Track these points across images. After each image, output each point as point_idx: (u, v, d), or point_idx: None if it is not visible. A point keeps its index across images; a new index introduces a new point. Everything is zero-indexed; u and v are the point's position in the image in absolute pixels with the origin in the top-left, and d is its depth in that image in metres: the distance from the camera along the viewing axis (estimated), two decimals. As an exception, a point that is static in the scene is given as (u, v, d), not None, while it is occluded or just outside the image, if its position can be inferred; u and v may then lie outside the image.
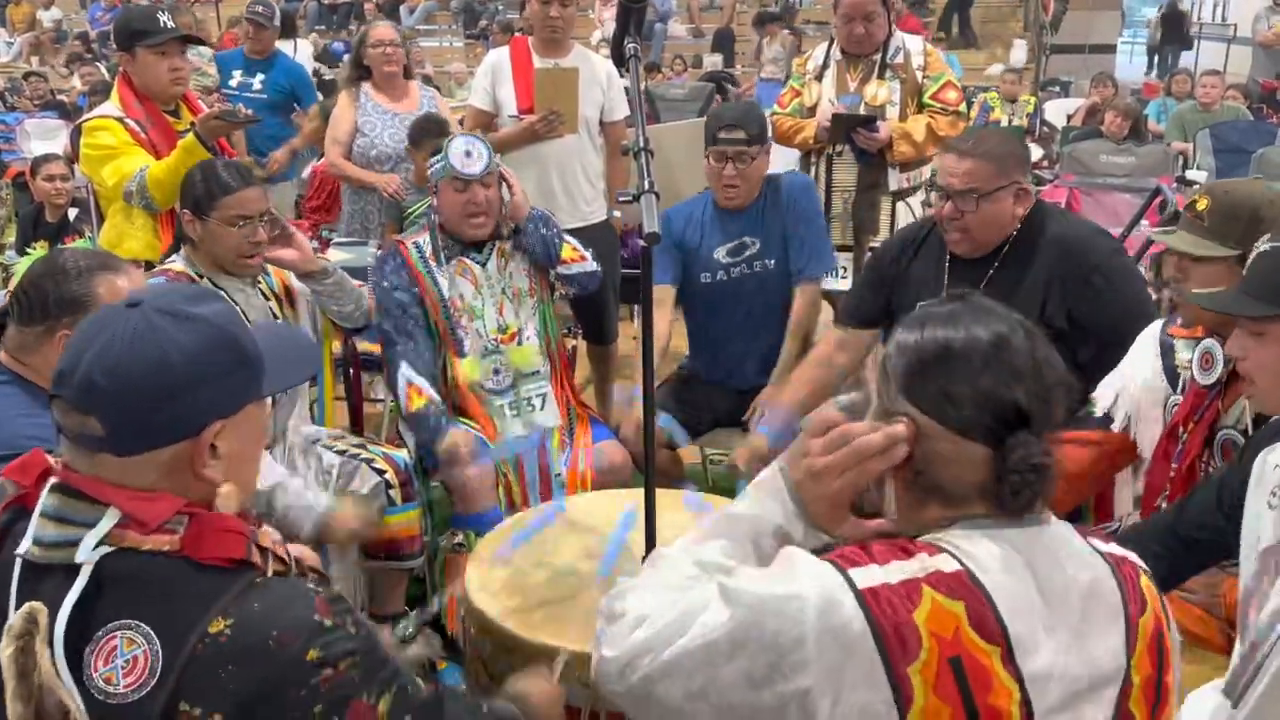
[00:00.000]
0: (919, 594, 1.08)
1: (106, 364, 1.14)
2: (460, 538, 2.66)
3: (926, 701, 1.06)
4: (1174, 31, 13.61)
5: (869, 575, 1.09)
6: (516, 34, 5.06)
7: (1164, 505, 2.00)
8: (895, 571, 1.10)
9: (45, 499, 1.18)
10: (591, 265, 2.90)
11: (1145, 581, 1.22)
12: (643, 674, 1.12)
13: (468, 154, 2.73)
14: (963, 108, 3.58)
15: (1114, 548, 1.24)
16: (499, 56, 3.68)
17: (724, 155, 2.92)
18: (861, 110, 3.45)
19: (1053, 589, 1.13)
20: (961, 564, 1.11)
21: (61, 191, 5.20)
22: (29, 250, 4.64)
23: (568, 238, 2.90)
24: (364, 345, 3.60)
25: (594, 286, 2.97)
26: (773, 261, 2.98)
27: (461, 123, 4.62)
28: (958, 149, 2.45)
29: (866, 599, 1.07)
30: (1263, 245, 1.59)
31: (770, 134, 3.19)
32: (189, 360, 1.17)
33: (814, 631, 1.06)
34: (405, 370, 2.72)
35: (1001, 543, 1.13)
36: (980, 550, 1.12)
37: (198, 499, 1.21)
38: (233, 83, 5.13)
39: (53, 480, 1.19)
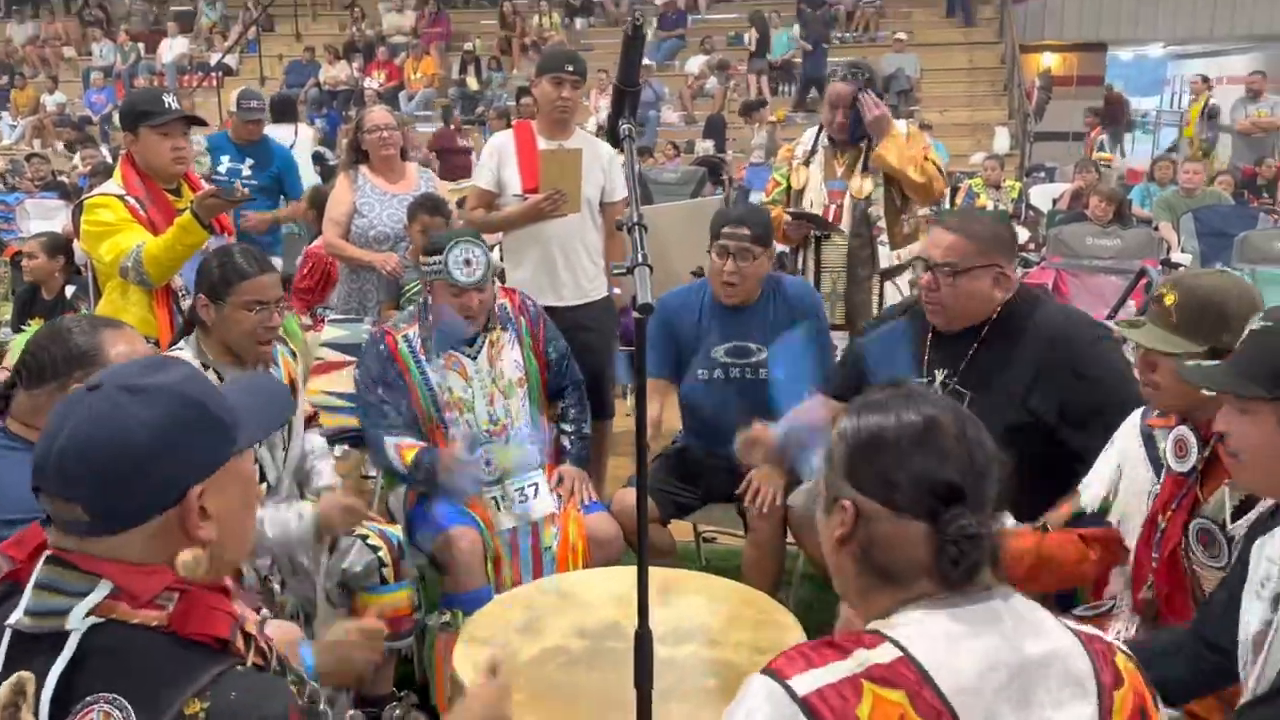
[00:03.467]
0: (859, 690, 1.11)
1: (76, 450, 1.16)
2: (449, 616, 2.63)
3: None
4: (1113, 116, 14.02)
5: (808, 680, 1.12)
6: (518, 119, 5.16)
7: (1149, 594, 1.99)
8: (833, 671, 1.12)
9: (40, 570, 1.18)
10: None
11: (1122, 660, 1.23)
12: None
13: (467, 263, 2.77)
14: (941, 165, 3.64)
15: (1086, 628, 1.25)
16: (504, 139, 3.76)
17: (727, 250, 2.93)
18: (846, 200, 3.54)
19: (1001, 660, 1.15)
20: (901, 650, 1.13)
21: (31, 269, 5.19)
22: (24, 327, 4.68)
23: None
24: (357, 421, 3.59)
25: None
26: (780, 370, 2.95)
27: (460, 204, 4.69)
28: (946, 223, 2.51)
29: (811, 704, 1.10)
30: (1255, 324, 1.60)
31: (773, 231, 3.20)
32: (154, 432, 1.17)
33: None
34: (389, 439, 2.75)
35: (946, 620, 1.17)
36: (923, 631, 1.16)
37: (186, 571, 1.20)
38: (221, 168, 5.23)
39: (47, 553, 1.19)
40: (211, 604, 1.20)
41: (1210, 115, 11.41)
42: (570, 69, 3.55)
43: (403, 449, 2.73)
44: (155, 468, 1.17)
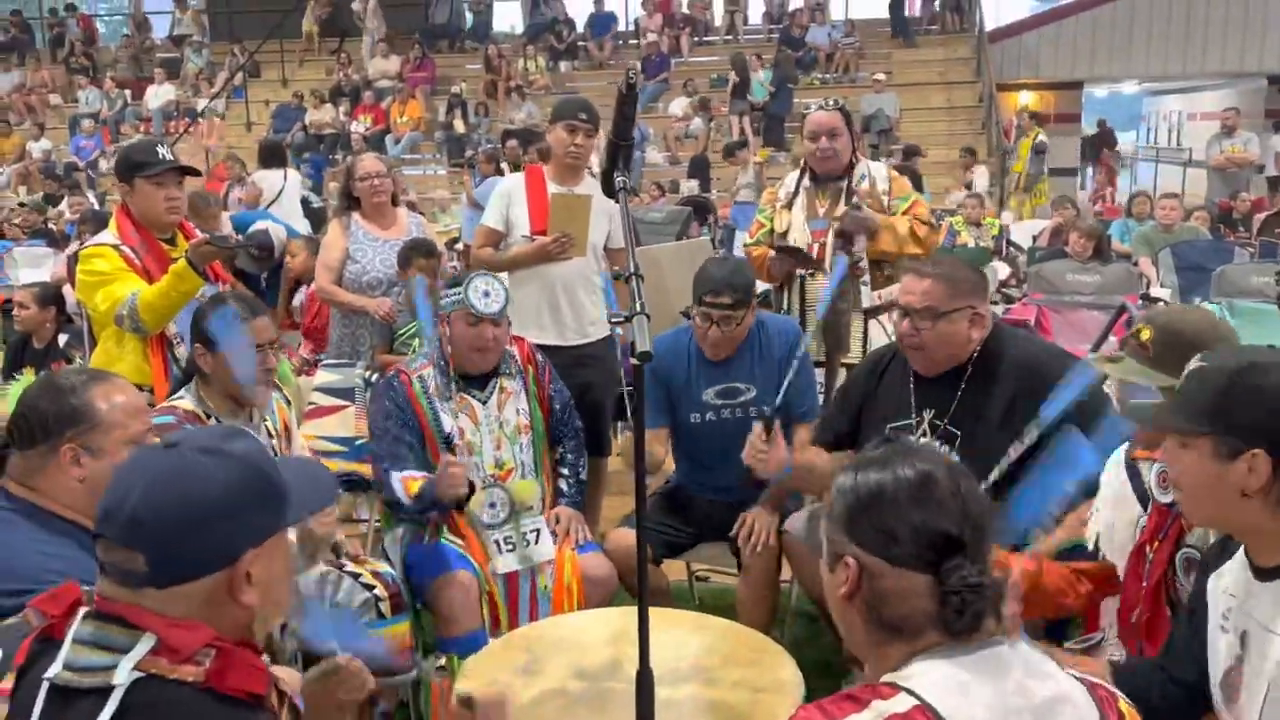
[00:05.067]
0: None
1: (150, 501, 1.20)
2: (443, 661, 2.63)
3: None
4: (1099, 152, 14.21)
5: None
6: (530, 164, 5.24)
7: (1137, 620, 2.02)
8: None
9: (80, 626, 1.20)
10: None
11: (1124, 706, 1.26)
12: None
13: (486, 294, 2.82)
14: (934, 221, 3.72)
15: (1087, 675, 1.28)
16: (514, 181, 3.85)
17: (709, 318, 2.95)
18: (830, 238, 3.57)
19: (1013, 705, 1.17)
20: (917, 699, 1.16)
21: (22, 319, 5.17)
22: (15, 377, 4.68)
23: None
24: (349, 465, 3.61)
25: None
26: (768, 408, 2.91)
27: (451, 244, 4.74)
28: (917, 270, 2.56)
29: None
30: (1193, 364, 1.65)
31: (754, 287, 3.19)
32: (224, 493, 1.23)
33: None
34: (394, 474, 2.77)
35: (955, 668, 1.19)
36: (935, 680, 1.18)
37: (231, 630, 1.24)
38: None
39: (86, 609, 1.22)
40: (248, 661, 1.23)
41: (1038, 151, 11.70)
42: (584, 117, 3.65)
43: (408, 481, 2.75)
44: (219, 526, 1.22)
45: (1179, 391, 1.64)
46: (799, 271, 3.64)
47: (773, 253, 3.60)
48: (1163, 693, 1.72)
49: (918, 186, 5.49)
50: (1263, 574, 1.53)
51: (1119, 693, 1.28)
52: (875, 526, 1.25)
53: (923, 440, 2.57)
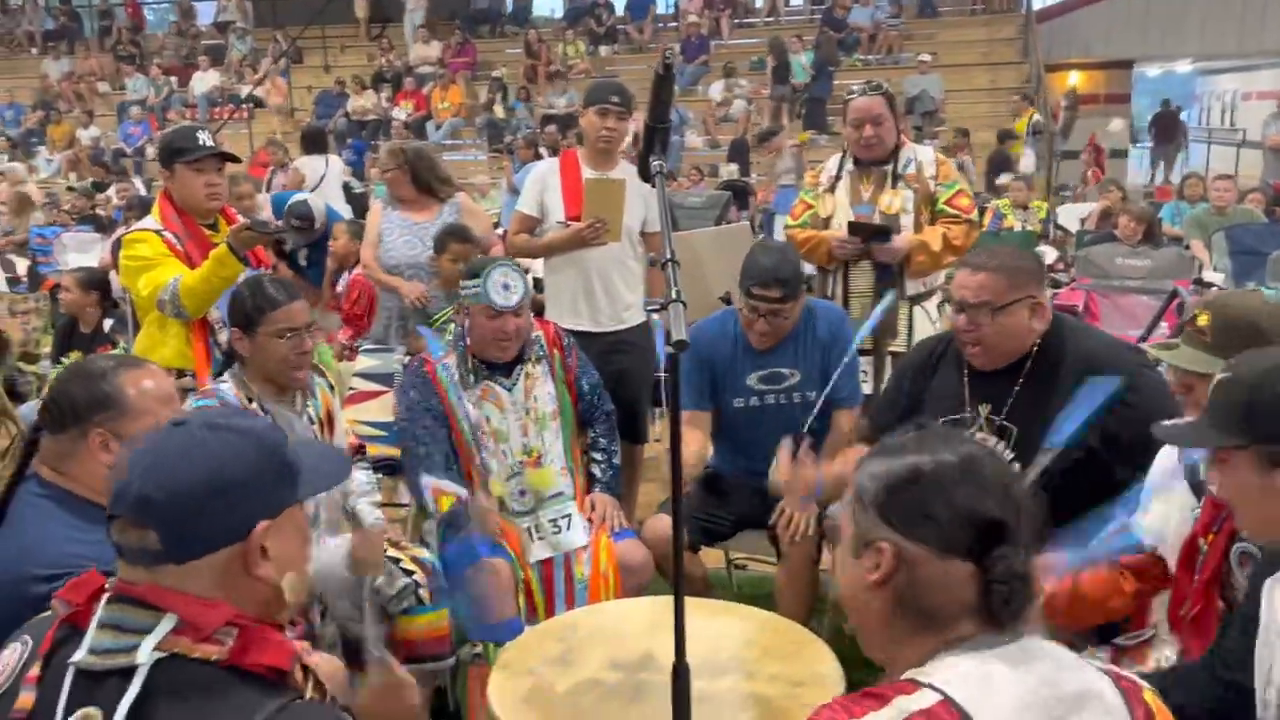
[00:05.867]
0: None
1: (158, 478, 1.21)
2: (480, 649, 2.64)
3: None
4: (1167, 135, 13.85)
5: None
6: (565, 149, 5.23)
7: (1187, 614, 1.97)
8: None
9: (103, 610, 1.21)
10: None
11: (1149, 696, 1.23)
12: None
13: (505, 286, 2.81)
14: (975, 215, 3.63)
15: (1111, 667, 1.25)
16: (549, 166, 3.84)
17: (757, 311, 2.91)
18: (876, 219, 3.50)
19: (1040, 698, 1.14)
20: (941, 694, 1.12)
21: (65, 303, 5.28)
22: (63, 360, 4.77)
23: None
24: (390, 450, 3.63)
25: None
26: (814, 394, 2.93)
27: (496, 225, 4.77)
28: (971, 263, 2.50)
29: None
30: (1220, 375, 1.62)
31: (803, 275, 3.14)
32: (233, 465, 1.23)
33: None
34: (425, 478, 2.75)
35: (984, 661, 1.15)
36: (961, 673, 1.14)
37: (252, 607, 1.25)
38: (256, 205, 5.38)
39: (109, 594, 1.23)
40: (270, 637, 1.23)
41: (1035, 131, 11.40)
42: (615, 101, 3.62)
43: (439, 495, 2.70)
44: (229, 499, 1.22)
45: (1208, 408, 1.60)
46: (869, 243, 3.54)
47: (841, 234, 3.49)
48: (1210, 697, 1.68)
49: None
50: None
51: (1143, 682, 1.25)
52: (915, 510, 1.19)
53: (977, 436, 2.51)
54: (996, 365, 2.50)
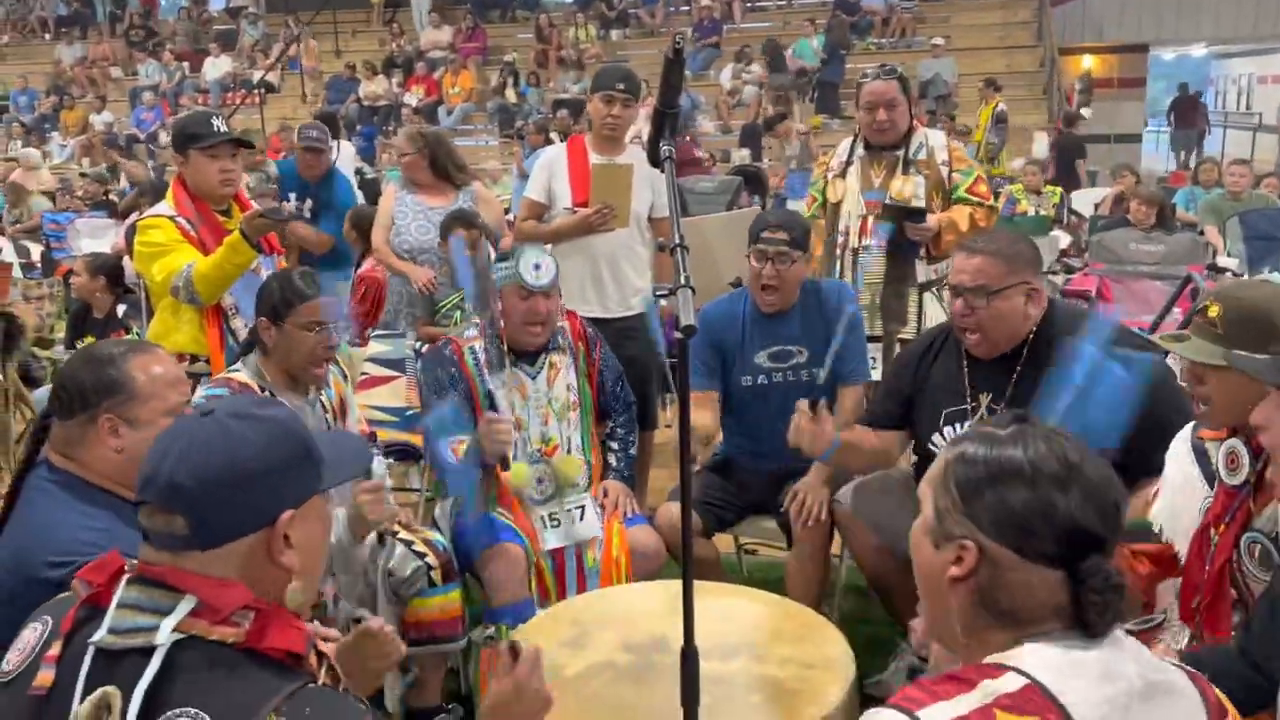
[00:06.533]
0: (992, 719, 1.07)
1: (187, 465, 1.22)
2: (492, 630, 2.65)
3: None
4: (1187, 120, 13.71)
5: (938, 712, 1.09)
6: (573, 134, 5.21)
7: (1199, 605, 1.96)
8: (962, 704, 1.09)
9: (123, 591, 1.23)
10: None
11: (1218, 694, 1.21)
12: None
13: (537, 266, 2.81)
14: (993, 200, 3.63)
15: (1185, 666, 1.23)
16: (556, 152, 3.83)
17: (765, 255, 2.94)
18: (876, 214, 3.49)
19: (1124, 690, 1.12)
20: (1030, 679, 1.10)
21: (76, 287, 5.31)
22: (76, 346, 4.79)
23: None
24: (400, 435, 3.64)
25: None
26: (821, 370, 2.88)
27: (508, 210, 4.76)
28: (968, 247, 2.50)
29: None
30: None
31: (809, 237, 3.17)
32: (260, 454, 1.25)
33: None
34: (445, 443, 2.73)
35: (1071, 652, 1.13)
36: (1048, 661, 1.12)
37: (270, 592, 1.26)
38: (269, 190, 5.34)
39: (129, 575, 1.24)
40: (287, 621, 1.24)
41: (999, 120, 11.27)
42: (621, 87, 3.61)
43: (455, 445, 2.73)
44: (254, 487, 1.24)
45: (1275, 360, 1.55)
46: (857, 243, 3.53)
47: (872, 218, 3.50)
48: (1244, 680, 1.66)
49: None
50: None
51: (1213, 686, 1.23)
52: (1008, 512, 1.14)
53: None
54: (994, 353, 2.50)
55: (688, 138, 11.82)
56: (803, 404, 2.54)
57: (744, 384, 3.06)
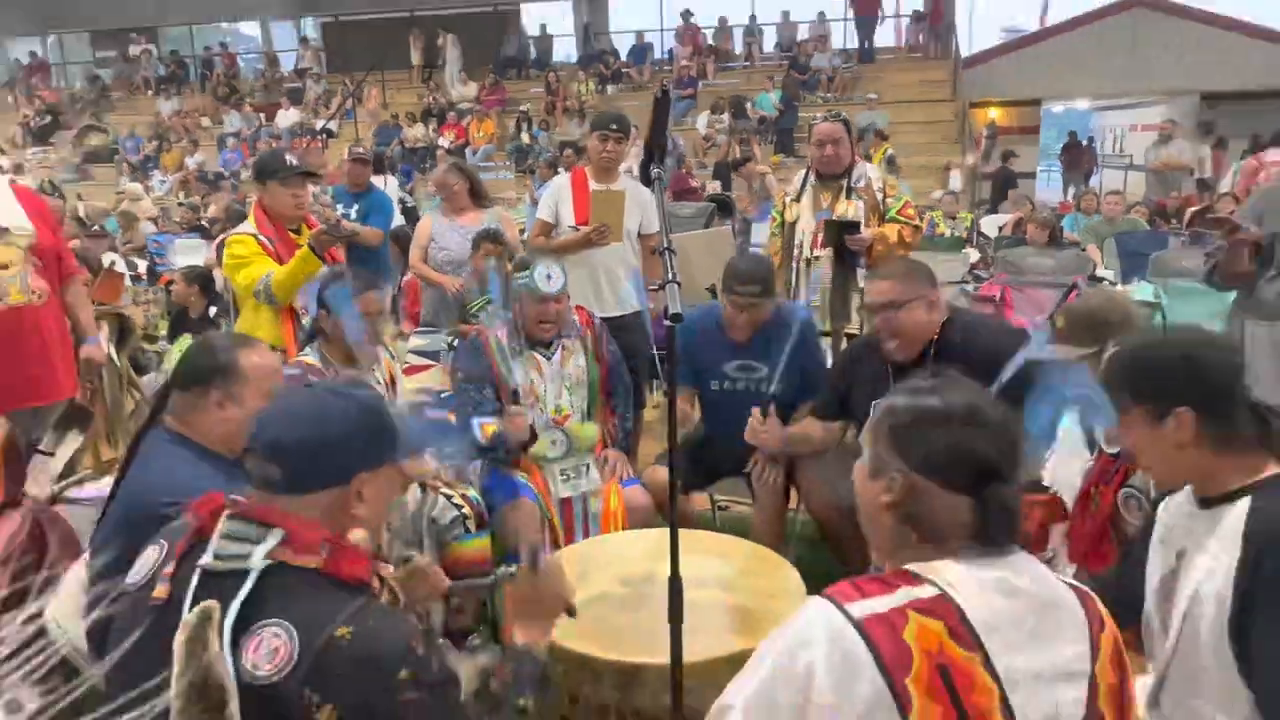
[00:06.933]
0: (905, 618, 1.08)
1: (287, 425, 1.25)
2: (514, 569, 2.63)
3: (921, 704, 1.05)
4: (1075, 162, 13.77)
5: (863, 608, 1.09)
6: (575, 166, 5.20)
7: (1085, 550, 1.98)
8: (883, 602, 1.09)
9: (225, 524, 1.24)
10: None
11: (1102, 607, 1.21)
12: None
13: (549, 276, 2.81)
14: (919, 220, 3.65)
15: (1073, 582, 1.23)
16: (562, 181, 3.81)
17: (739, 306, 2.88)
18: (821, 231, 3.49)
19: (1019, 603, 1.12)
20: (939, 589, 1.10)
21: (175, 293, 5.29)
22: (175, 340, 4.75)
23: None
24: (433, 415, 3.63)
25: None
26: (776, 388, 2.84)
27: (522, 234, 4.79)
28: (879, 274, 2.56)
29: (865, 626, 1.07)
30: (1109, 350, 1.60)
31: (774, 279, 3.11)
32: (344, 425, 1.26)
33: (823, 656, 1.06)
34: (474, 419, 2.76)
35: (975, 569, 1.13)
36: (956, 577, 1.12)
37: (342, 534, 1.27)
38: (331, 211, 5.32)
39: (229, 511, 1.25)
40: (356, 554, 1.25)
41: (890, 162, 11.26)
42: (614, 127, 3.61)
43: (485, 426, 2.73)
44: (337, 450, 1.25)
45: (1102, 377, 1.58)
46: (810, 253, 3.54)
47: (815, 229, 3.52)
48: (1115, 605, 1.68)
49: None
50: (1204, 503, 1.48)
51: (1095, 598, 1.23)
52: (927, 449, 1.15)
53: None
54: (909, 356, 2.51)
55: (685, 170, 11.87)
56: (756, 411, 2.56)
57: (712, 387, 3.04)
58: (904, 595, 1.10)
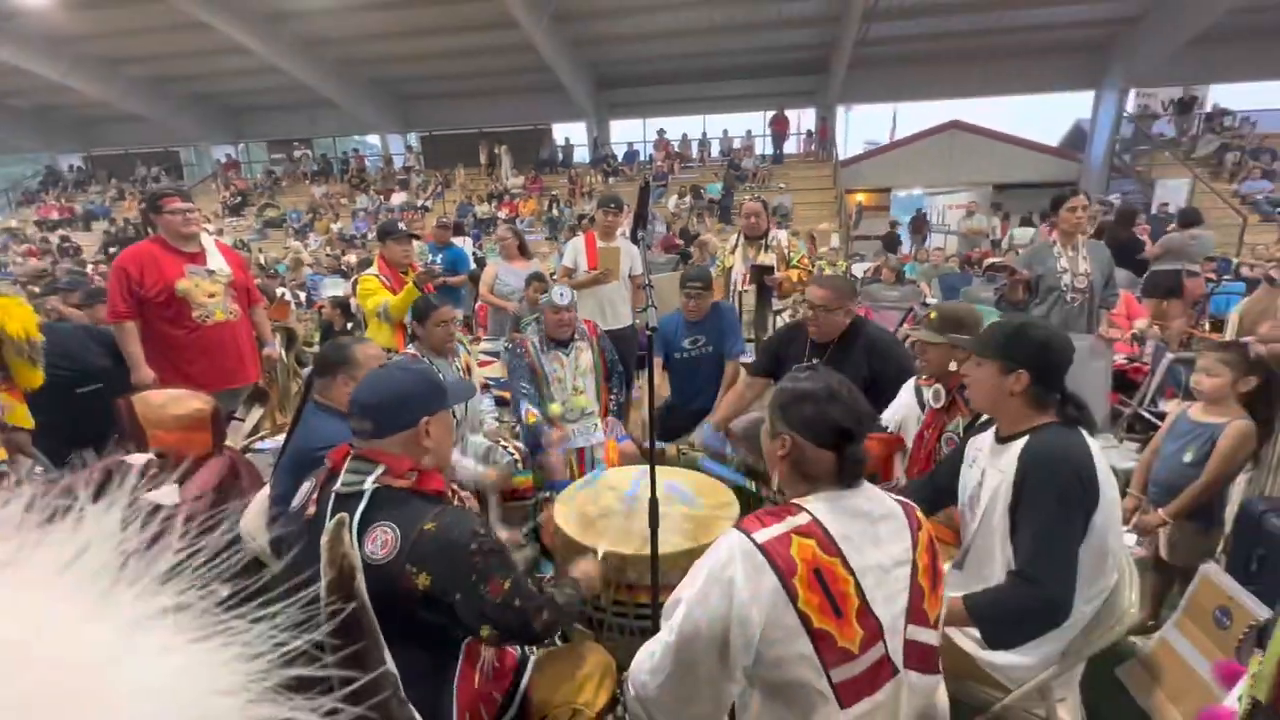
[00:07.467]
0: (790, 539, 1.08)
1: (371, 391, 1.24)
2: (548, 493, 2.65)
3: (805, 595, 1.06)
4: (918, 228, 13.86)
5: (762, 534, 1.09)
6: (588, 231, 5.19)
7: (919, 475, 1.99)
8: (776, 529, 1.10)
9: (348, 463, 1.24)
10: None
11: (920, 514, 1.22)
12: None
13: (561, 294, 2.81)
14: (811, 267, 3.67)
15: (900, 498, 1.24)
16: (578, 241, 3.81)
17: (690, 295, 3.03)
18: (749, 271, 3.51)
19: (862, 519, 1.13)
20: (811, 516, 1.11)
21: (326, 315, 5.22)
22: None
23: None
24: (499, 392, 3.62)
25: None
26: (714, 349, 3.02)
27: (553, 274, 4.79)
28: (819, 282, 2.53)
29: (766, 548, 1.08)
30: (987, 323, 1.57)
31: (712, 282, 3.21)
32: (410, 386, 1.25)
33: (740, 569, 1.07)
34: (524, 405, 2.76)
35: (834, 500, 1.14)
36: (822, 506, 1.13)
37: (421, 461, 1.26)
38: (427, 259, 5.29)
39: (352, 455, 1.24)
40: (434, 475, 1.25)
41: (812, 238, 11.21)
42: (613, 205, 3.62)
43: (529, 413, 2.73)
44: (407, 403, 1.24)
45: (979, 337, 1.54)
46: (741, 287, 3.57)
47: (746, 271, 3.55)
48: (926, 499, 1.69)
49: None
50: (1002, 439, 1.49)
51: (917, 508, 1.24)
52: (803, 418, 1.13)
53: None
54: (825, 339, 2.52)
55: (670, 232, 11.81)
56: (705, 422, 2.60)
57: (676, 356, 3.10)
58: (789, 523, 1.11)
